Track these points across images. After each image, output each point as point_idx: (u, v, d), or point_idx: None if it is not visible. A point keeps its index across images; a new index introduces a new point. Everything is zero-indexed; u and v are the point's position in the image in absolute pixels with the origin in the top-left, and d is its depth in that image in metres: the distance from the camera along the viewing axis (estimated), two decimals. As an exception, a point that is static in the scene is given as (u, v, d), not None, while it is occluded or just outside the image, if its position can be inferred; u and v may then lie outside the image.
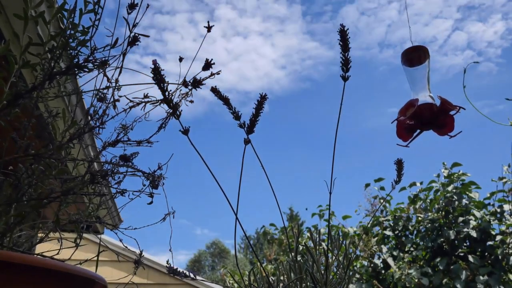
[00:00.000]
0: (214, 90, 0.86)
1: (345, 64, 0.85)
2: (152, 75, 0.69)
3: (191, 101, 0.99)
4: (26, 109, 0.77)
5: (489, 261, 3.62)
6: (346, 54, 0.85)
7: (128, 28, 0.84)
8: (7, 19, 1.06)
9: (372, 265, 4.18)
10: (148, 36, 0.87)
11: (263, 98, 0.82)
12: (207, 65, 0.92)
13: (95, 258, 1.01)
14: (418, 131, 1.06)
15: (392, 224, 4.46)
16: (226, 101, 0.85)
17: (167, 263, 1.00)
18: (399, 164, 0.97)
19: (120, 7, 0.86)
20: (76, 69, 0.78)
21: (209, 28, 0.97)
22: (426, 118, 1.03)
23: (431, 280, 3.65)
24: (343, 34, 0.84)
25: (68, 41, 0.75)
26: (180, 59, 0.98)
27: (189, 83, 0.89)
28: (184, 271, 1.00)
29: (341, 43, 0.84)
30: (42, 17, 0.73)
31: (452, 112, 1.01)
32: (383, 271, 4.08)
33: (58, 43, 0.75)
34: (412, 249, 4.23)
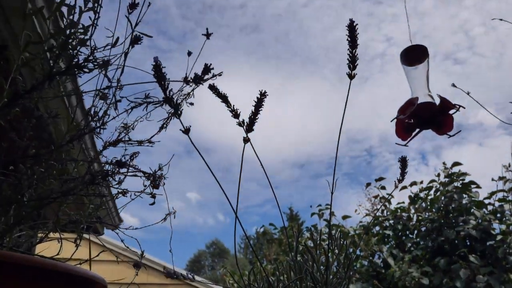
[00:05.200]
0: (212, 87, 0.85)
1: (352, 61, 0.81)
2: (153, 73, 0.69)
3: (192, 104, 0.99)
4: (26, 110, 0.77)
5: (490, 261, 3.62)
6: (354, 51, 0.81)
7: (130, 27, 0.84)
8: (6, 19, 1.06)
9: (372, 264, 4.17)
10: (151, 37, 0.86)
11: (262, 96, 0.81)
12: (206, 69, 0.92)
13: (96, 258, 1.01)
14: (417, 130, 1.05)
15: (392, 224, 4.46)
16: (224, 99, 0.85)
17: (164, 269, 1.00)
18: (403, 162, 0.95)
19: (121, 6, 0.86)
20: (76, 69, 0.78)
21: (208, 35, 0.98)
22: (425, 117, 1.03)
23: (431, 280, 3.64)
24: (352, 29, 0.80)
25: (67, 40, 0.75)
26: (189, 53, 0.96)
27: (191, 80, 0.89)
28: (182, 273, 1.00)
29: (349, 38, 0.80)
30: (41, 13, 0.72)
31: (451, 111, 1.01)
32: (383, 271, 4.08)
33: (58, 41, 0.75)
34: (412, 248, 4.22)
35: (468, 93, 1.06)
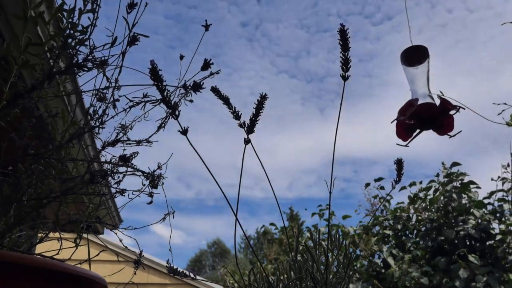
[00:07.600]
0: (214, 89, 0.86)
1: (345, 63, 0.86)
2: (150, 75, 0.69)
3: (191, 101, 0.99)
4: (26, 109, 0.77)
5: (489, 261, 3.62)
6: (346, 53, 0.85)
7: (127, 28, 0.84)
8: (6, 19, 1.06)
9: (372, 264, 4.18)
10: (147, 36, 0.87)
11: (263, 98, 0.82)
12: (206, 65, 0.92)
13: (95, 258, 1.01)
14: (418, 131, 1.06)
15: (392, 224, 4.46)
16: (226, 100, 0.85)
17: (167, 262, 1.00)
18: (399, 163, 0.96)
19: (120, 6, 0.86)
20: (75, 69, 0.78)
21: (207, 27, 0.98)
22: (426, 118, 1.03)
23: (431, 280, 3.65)
24: (343, 34, 0.84)
25: (67, 41, 0.75)
26: (181, 57, 0.97)
27: (189, 87, 0.89)
28: (184, 271, 1.00)
29: (341, 42, 0.84)
30: (42, 17, 0.72)
31: (451, 112, 1.01)
32: (383, 271, 4.09)
33: (58, 43, 0.75)
34: (412, 248, 4.23)
35: (441, 93, 1.07)
